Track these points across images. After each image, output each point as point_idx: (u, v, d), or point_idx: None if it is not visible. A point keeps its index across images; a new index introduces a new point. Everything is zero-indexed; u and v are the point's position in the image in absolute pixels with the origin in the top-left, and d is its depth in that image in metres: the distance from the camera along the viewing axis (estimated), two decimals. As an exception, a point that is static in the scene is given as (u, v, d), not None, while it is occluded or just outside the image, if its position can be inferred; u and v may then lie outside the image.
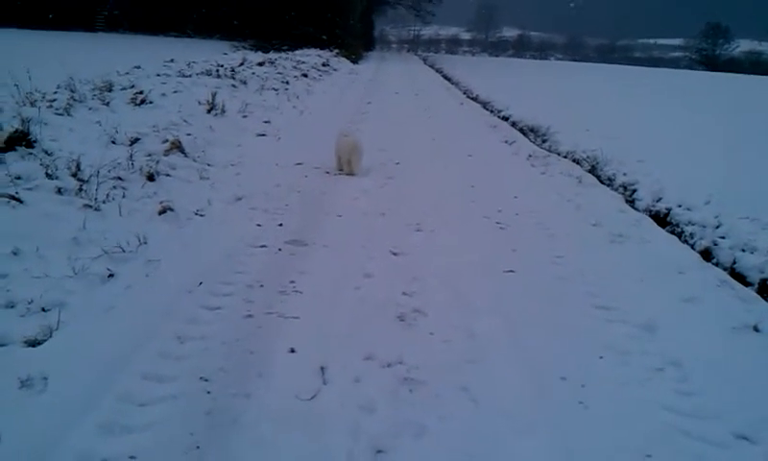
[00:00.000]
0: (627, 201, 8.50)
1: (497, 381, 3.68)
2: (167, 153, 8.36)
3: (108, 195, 6.35)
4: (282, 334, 4.11)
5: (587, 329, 4.43)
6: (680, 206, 7.80)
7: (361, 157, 8.93)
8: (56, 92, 10.35)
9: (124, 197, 6.52)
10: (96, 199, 6.10)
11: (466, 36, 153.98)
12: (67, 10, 41.56)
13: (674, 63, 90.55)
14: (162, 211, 6.33)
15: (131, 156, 7.54)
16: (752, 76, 43.98)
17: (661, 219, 7.80)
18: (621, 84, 28.26)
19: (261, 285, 4.86)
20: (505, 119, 16.15)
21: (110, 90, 11.56)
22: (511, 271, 5.45)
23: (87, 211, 5.83)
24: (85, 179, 6.44)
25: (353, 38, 45.14)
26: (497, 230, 6.74)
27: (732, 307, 4.89)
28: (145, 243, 5.46)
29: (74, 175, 6.54)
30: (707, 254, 6.60)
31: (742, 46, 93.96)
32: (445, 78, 32.64)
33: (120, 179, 6.97)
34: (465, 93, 23.63)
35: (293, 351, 3.91)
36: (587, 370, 3.85)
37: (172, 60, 18.72)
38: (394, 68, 38.77)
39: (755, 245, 6.34)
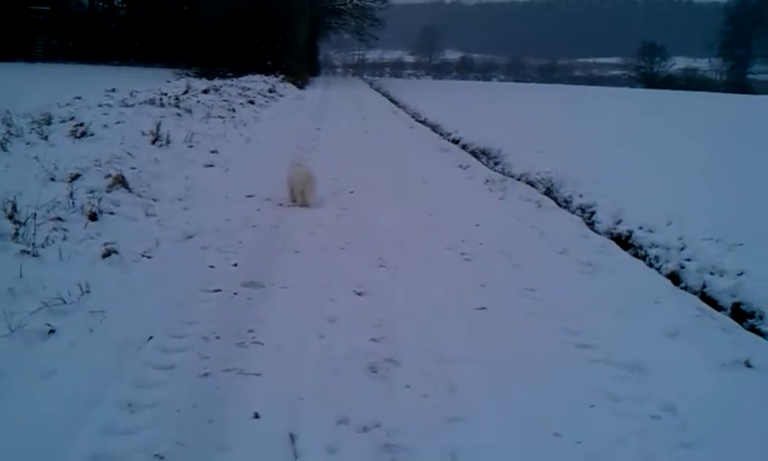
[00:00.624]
0: (587, 223, 8.35)
1: (488, 443, 3.36)
2: (110, 189, 7.91)
3: (47, 238, 5.89)
4: (244, 396, 3.72)
5: (571, 373, 4.16)
6: (641, 228, 7.65)
7: (314, 187, 8.61)
8: None
9: (65, 239, 6.08)
10: (34, 244, 5.64)
11: (410, 59, 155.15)
12: (2, 40, 40.41)
13: (613, 82, 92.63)
14: (106, 254, 5.89)
15: (71, 193, 7.09)
16: (689, 92, 45.08)
17: (623, 242, 7.66)
18: (567, 103, 28.55)
19: (217, 337, 4.46)
20: (455, 142, 16.01)
21: (49, 123, 11.09)
22: (482, 308, 5.17)
23: (24, 258, 5.38)
24: (22, 221, 5.96)
25: (299, 64, 44.93)
26: (463, 262, 6.47)
27: (716, 340, 4.69)
28: (88, 292, 5.02)
29: (10, 217, 6.07)
30: (674, 278, 6.44)
31: (678, 63, 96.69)
32: (392, 101, 32.53)
33: (60, 219, 6.52)
34: (413, 117, 23.49)
35: (257, 416, 3.52)
36: (579, 422, 3.56)
37: (114, 90, 18.24)
38: (340, 93, 38.57)
39: (723, 267, 6.18)
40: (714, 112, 24.03)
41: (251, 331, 4.58)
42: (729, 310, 5.57)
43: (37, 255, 5.51)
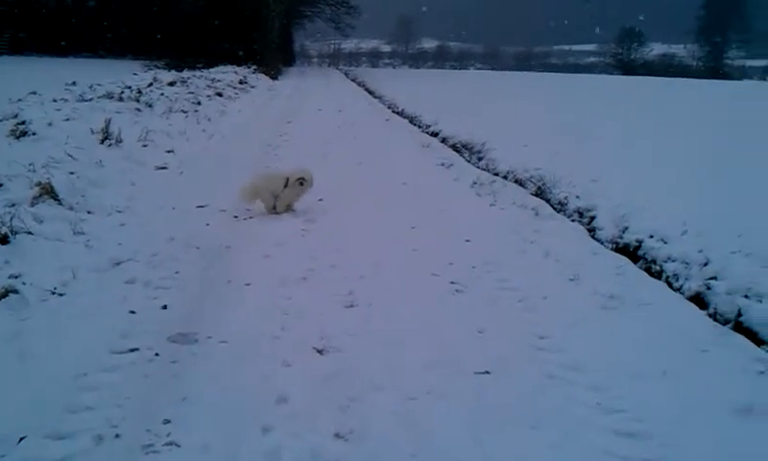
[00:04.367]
0: (587, 229, 7.20)
1: None
2: (35, 201, 6.71)
3: (-68, 272, 4.59)
4: None
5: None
6: (652, 237, 6.59)
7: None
8: None
9: (-41, 272, 4.78)
10: None
11: (386, 48, 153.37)
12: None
13: (589, 69, 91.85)
14: (3, 295, 4.61)
15: (-23, 209, 5.76)
16: (669, 78, 44.08)
17: (631, 253, 6.53)
18: (548, 92, 27.37)
19: (117, 435, 3.15)
20: (435, 135, 14.87)
21: (-12, 122, 9.72)
22: (485, 372, 3.89)
23: None
24: None
25: (272, 54, 43.62)
26: (453, 295, 5.20)
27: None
28: (-40, 355, 3.73)
29: None
30: (699, 302, 5.32)
31: (655, 50, 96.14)
32: (369, 92, 31.25)
33: (-40, 243, 5.20)
34: (390, 108, 22.30)
35: None
36: None
37: (74, 83, 16.91)
38: (315, 83, 37.17)
39: (760, 289, 5.04)
40: (700, 100, 22.91)
41: (166, 422, 3.28)
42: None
43: None
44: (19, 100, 12.80)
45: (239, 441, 3.18)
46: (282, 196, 7.44)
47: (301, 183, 7.41)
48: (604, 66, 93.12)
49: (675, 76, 49.60)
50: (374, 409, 3.48)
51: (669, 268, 5.97)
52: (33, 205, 6.53)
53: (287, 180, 7.44)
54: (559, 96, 25.07)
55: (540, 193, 8.68)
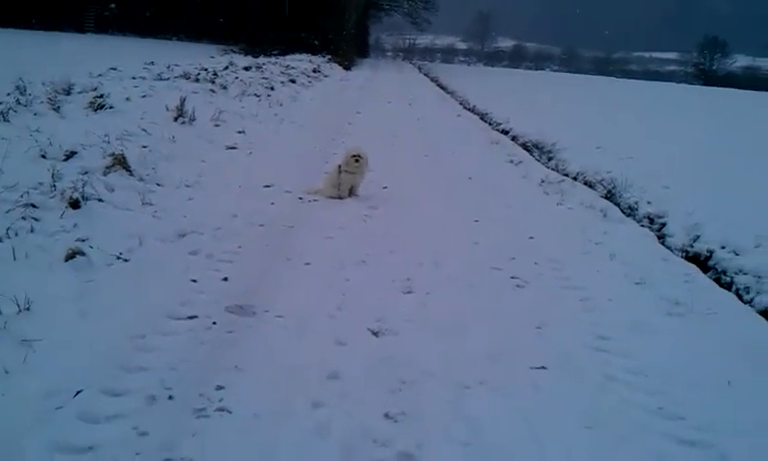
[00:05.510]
0: (657, 235, 6.98)
1: None
2: (107, 170, 6.84)
3: (8, 230, 4.75)
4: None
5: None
6: (723, 248, 6.42)
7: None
8: (8, 95, 8.91)
9: (32, 231, 4.97)
10: (-18, 238, 4.48)
11: (462, 45, 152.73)
12: (54, 10, 40.10)
13: (669, 77, 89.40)
14: (70, 256, 4.70)
15: (53, 174, 5.91)
16: (754, 92, 42.51)
17: (701, 263, 6.30)
18: (626, 97, 26.71)
19: (170, 396, 3.20)
20: (505, 133, 14.66)
21: (69, 93, 10.05)
22: (542, 367, 3.80)
23: (-33, 256, 4.23)
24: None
25: (347, 45, 43.85)
26: (514, 289, 5.10)
27: None
28: (27, 309, 3.85)
29: None
30: (769, 316, 5.09)
31: (739, 61, 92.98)
32: (441, 87, 31.09)
33: (34, 206, 5.38)
34: (461, 104, 22.13)
35: None
36: None
37: (152, 63, 17.39)
38: (387, 76, 37.17)
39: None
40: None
41: (219, 388, 3.31)
42: None
43: (-16, 254, 4.36)
44: (99, 75, 13.21)
45: (289, 413, 3.17)
46: (343, 179, 7.43)
47: (357, 160, 7.39)
48: (684, 75, 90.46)
49: (760, 89, 47.79)
50: (426, 394, 3.43)
51: (740, 280, 5.82)
52: (105, 174, 6.68)
53: (339, 167, 7.45)
54: (637, 102, 24.43)
55: (609, 196, 8.47)
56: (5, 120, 7.62)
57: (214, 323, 4.07)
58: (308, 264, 5.29)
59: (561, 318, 4.57)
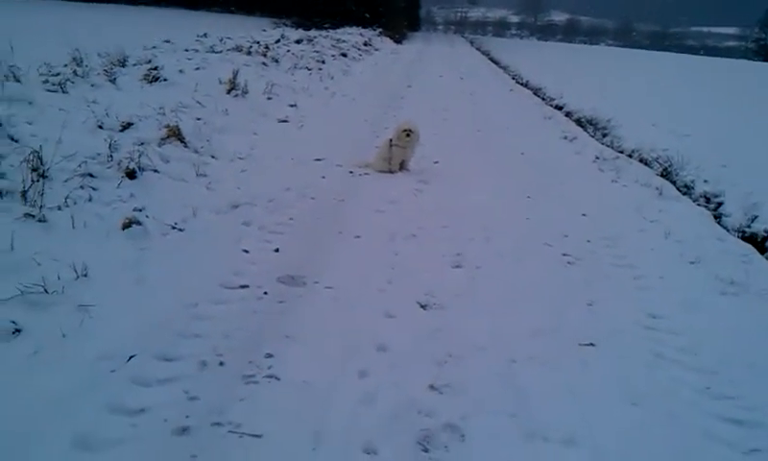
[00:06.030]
0: (713, 215, 6.83)
1: None
2: (163, 142, 6.97)
3: (66, 198, 4.88)
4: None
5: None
6: (783, 229, 6.17)
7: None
8: (65, 66, 9.11)
9: (90, 200, 5.09)
10: (42, 206, 4.61)
11: (514, 19, 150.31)
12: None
13: (729, 53, 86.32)
14: (127, 225, 4.81)
15: (109, 145, 6.03)
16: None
17: (759, 243, 6.15)
18: (687, 74, 25.99)
19: (221, 363, 3.28)
20: (559, 108, 14.44)
21: (124, 65, 10.26)
22: (590, 344, 3.77)
23: (26, 223, 4.38)
24: (44, 176, 4.95)
25: (398, 18, 43.62)
26: (565, 266, 5.05)
27: None
28: (85, 275, 3.96)
29: (35, 169, 5.04)
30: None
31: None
32: (493, 61, 30.71)
33: (91, 175, 5.50)
34: (514, 78, 21.87)
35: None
36: None
37: (205, 35, 17.67)
38: (439, 50, 36.85)
39: None
40: None
41: (268, 356, 3.38)
42: None
43: (44, 220, 4.49)
44: (153, 47, 13.42)
45: (337, 382, 3.22)
46: (394, 154, 7.43)
47: (408, 135, 7.36)
48: (744, 51, 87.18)
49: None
50: (473, 368, 3.44)
51: (800, 265, 5.63)
52: (160, 145, 6.80)
53: (390, 141, 7.44)
54: (695, 78, 23.77)
55: (665, 174, 8.29)
56: (63, 91, 7.77)
57: (265, 293, 4.15)
58: (358, 237, 5.32)
59: (611, 296, 4.51)
